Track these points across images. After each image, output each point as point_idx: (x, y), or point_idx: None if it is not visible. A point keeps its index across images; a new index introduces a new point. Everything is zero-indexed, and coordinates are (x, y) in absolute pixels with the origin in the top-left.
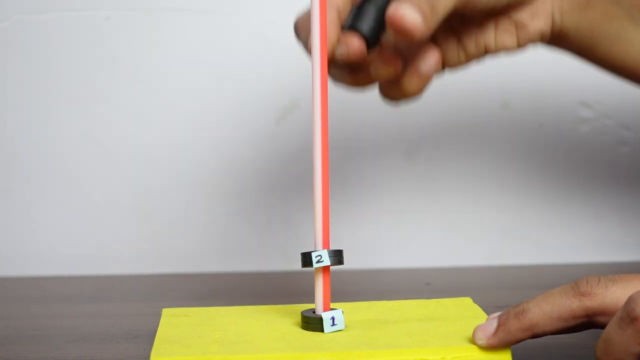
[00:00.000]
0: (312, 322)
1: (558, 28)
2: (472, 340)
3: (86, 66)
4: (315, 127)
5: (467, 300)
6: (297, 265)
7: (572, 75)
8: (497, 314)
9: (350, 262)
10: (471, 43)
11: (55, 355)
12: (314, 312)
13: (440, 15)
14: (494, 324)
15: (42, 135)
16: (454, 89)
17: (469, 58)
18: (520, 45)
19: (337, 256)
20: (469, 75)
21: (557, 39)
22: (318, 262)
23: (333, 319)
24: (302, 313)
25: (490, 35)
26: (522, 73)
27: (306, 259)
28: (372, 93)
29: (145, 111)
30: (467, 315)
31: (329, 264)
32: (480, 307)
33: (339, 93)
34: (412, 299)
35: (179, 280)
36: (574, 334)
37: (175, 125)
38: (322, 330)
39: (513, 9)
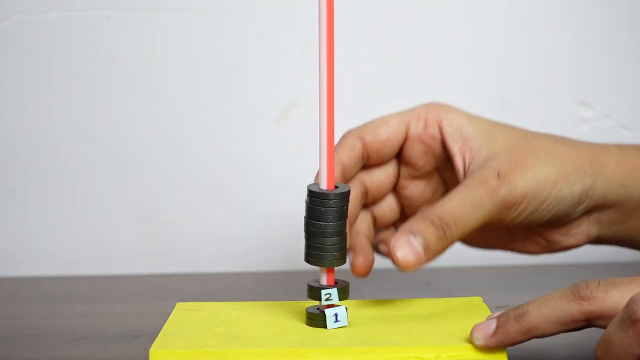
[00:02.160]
0: (315, 319)
1: (594, 239)
2: (470, 340)
3: (86, 66)
4: (322, 126)
5: (477, 300)
6: (297, 265)
7: (572, 75)
8: (496, 314)
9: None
10: (496, 240)
11: (55, 355)
12: (318, 308)
13: (455, 240)
14: (492, 325)
15: (42, 135)
16: (454, 88)
17: (488, 246)
18: (547, 253)
19: (345, 293)
20: (469, 75)
21: (594, 243)
22: (327, 299)
23: (336, 315)
24: (306, 309)
25: (517, 242)
26: (522, 73)
27: (314, 294)
28: (373, 92)
29: (145, 111)
30: (473, 314)
31: (337, 302)
32: None
33: (339, 93)
34: (411, 298)
35: (179, 280)
36: (573, 333)
37: (175, 125)
38: (325, 326)
39: (546, 229)
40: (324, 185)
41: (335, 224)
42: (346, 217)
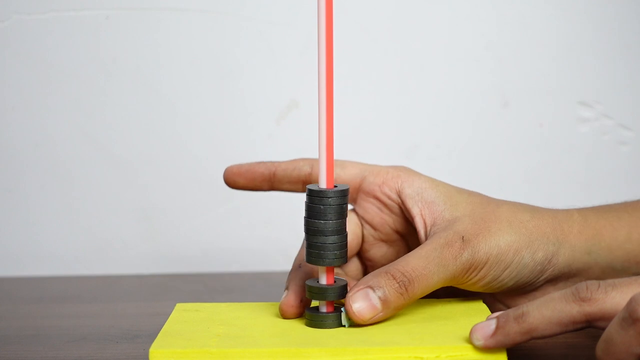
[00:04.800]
0: (315, 319)
1: None
2: (469, 340)
3: (86, 66)
4: (321, 126)
5: (477, 301)
6: None
7: (572, 75)
8: (496, 314)
9: None
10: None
11: (55, 355)
12: (317, 309)
13: (415, 297)
14: (492, 325)
15: (42, 135)
16: (454, 88)
17: None
18: None
19: (345, 292)
20: (469, 75)
21: None
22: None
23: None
24: (306, 310)
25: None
26: (522, 73)
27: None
28: (373, 92)
29: (145, 111)
30: (473, 315)
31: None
32: None
33: (339, 92)
34: None
35: (179, 280)
36: (573, 333)
37: (175, 125)
38: (325, 327)
39: (510, 297)
40: (323, 184)
41: (335, 222)
42: (345, 215)
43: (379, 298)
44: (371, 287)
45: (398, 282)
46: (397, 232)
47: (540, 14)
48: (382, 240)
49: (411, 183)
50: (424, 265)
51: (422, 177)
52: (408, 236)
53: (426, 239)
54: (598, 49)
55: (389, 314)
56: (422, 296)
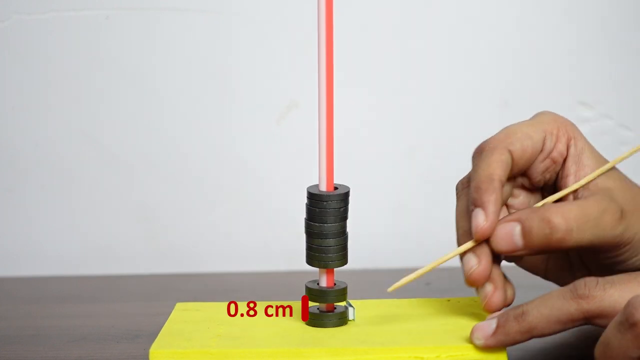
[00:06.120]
0: (315, 319)
1: None
2: (470, 340)
3: (86, 66)
4: (321, 126)
5: (477, 300)
6: (297, 265)
7: (572, 75)
8: (496, 314)
9: (350, 262)
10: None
11: (55, 355)
12: (318, 308)
13: (563, 243)
14: (492, 325)
15: (42, 135)
16: (455, 88)
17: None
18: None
19: (345, 294)
20: (469, 75)
21: None
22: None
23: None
24: (310, 311)
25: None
26: (522, 73)
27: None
28: (373, 92)
29: (145, 111)
30: (474, 314)
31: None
32: None
33: (339, 91)
34: (411, 298)
35: (179, 280)
36: (572, 334)
37: (174, 125)
38: (325, 326)
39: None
40: (323, 187)
41: (335, 225)
42: (346, 218)
43: (519, 233)
44: (521, 222)
45: (550, 229)
46: (545, 182)
47: (540, 14)
48: (529, 191)
49: (576, 141)
50: (584, 220)
51: (581, 134)
52: (545, 191)
53: (574, 199)
54: (598, 49)
55: (525, 253)
56: (570, 246)
